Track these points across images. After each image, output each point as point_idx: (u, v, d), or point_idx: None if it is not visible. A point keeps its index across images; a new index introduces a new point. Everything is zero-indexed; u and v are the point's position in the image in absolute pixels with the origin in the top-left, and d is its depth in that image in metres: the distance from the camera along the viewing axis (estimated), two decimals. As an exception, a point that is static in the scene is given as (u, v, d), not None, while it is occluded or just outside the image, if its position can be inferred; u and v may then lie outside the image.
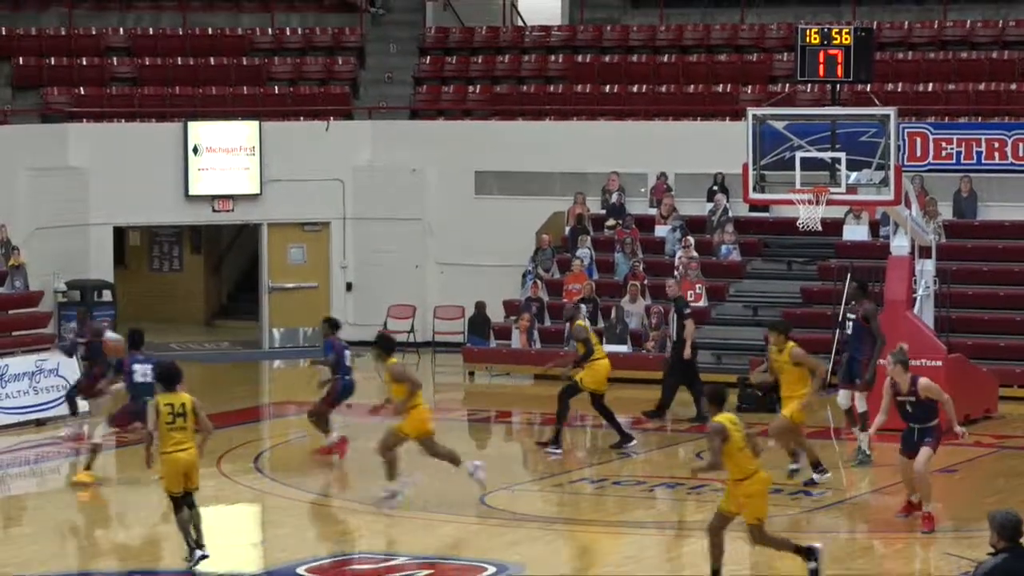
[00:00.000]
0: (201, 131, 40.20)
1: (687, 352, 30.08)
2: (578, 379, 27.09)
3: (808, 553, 18.80)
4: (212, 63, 43.12)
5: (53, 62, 42.05)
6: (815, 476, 23.93)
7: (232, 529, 25.50)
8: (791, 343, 24.09)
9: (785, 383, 24.26)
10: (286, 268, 41.31)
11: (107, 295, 39.29)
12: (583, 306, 32.84)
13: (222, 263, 45.88)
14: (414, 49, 45.20)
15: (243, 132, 40.63)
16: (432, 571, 21.46)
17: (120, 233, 41.88)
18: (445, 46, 45.05)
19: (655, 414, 29.87)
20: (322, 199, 40.68)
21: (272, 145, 40.41)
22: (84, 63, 42.46)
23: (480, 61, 44.00)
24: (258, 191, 40.38)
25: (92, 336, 28.73)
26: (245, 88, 43.17)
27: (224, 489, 26.53)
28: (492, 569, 21.11)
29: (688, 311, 30.53)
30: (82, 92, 42.08)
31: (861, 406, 25.59)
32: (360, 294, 41.05)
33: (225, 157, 40.37)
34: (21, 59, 41.72)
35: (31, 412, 31.87)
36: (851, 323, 27.61)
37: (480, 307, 36.94)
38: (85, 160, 39.38)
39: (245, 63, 43.43)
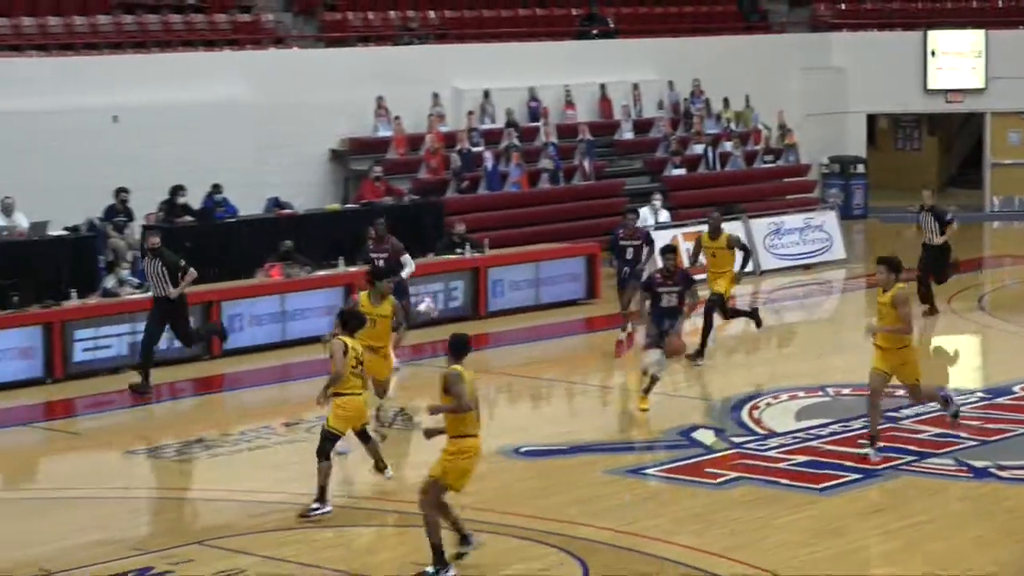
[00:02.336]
0: (938, 38, 43.93)
1: None
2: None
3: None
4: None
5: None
6: None
7: (959, 354, 28.08)
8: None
9: (714, 265, 25.25)
10: (1006, 148, 44.45)
11: (860, 168, 43.45)
12: None
13: (952, 143, 48.78)
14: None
15: (972, 39, 44.03)
16: None
17: (871, 119, 45.57)
18: None
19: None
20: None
21: (996, 49, 43.35)
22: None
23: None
24: (983, 86, 43.78)
25: None
26: (974, 3, 45.54)
27: (954, 324, 29.48)
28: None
29: None
30: (843, 7, 45.14)
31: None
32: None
33: (956, 59, 44.04)
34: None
35: (800, 259, 35.00)
36: None
37: None
38: (845, 61, 43.27)
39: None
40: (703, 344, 25.17)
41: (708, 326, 25.41)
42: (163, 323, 23.89)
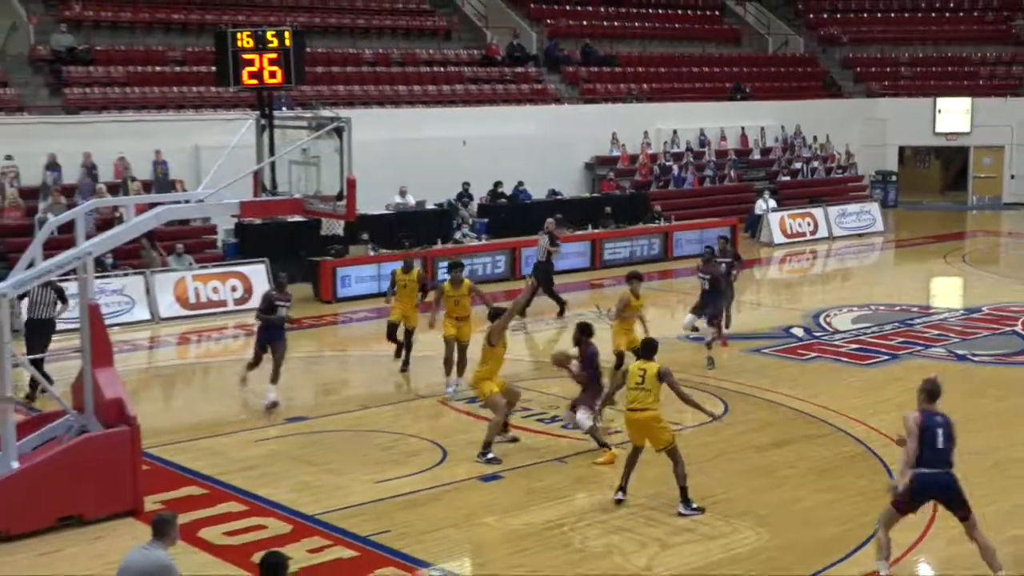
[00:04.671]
0: (943, 102, 40.20)
1: None
2: None
3: None
4: None
5: None
6: None
7: (951, 288, 26.48)
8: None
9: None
10: (981, 167, 40.67)
11: (893, 178, 39.79)
12: None
13: (950, 164, 43.92)
14: None
15: (964, 103, 40.06)
16: None
17: (901, 149, 41.91)
18: None
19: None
20: None
21: (978, 108, 39.84)
22: None
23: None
24: (969, 130, 40.13)
25: None
26: (965, 81, 41.82)
27: (947, 270, 27.87)
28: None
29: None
30: (885, 84, 42.42)
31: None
32: None
33: (953, 114, 40.26)
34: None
35: (856, 230, 33.01)
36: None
37: None
38: (886, 115, 40.48)
39: None
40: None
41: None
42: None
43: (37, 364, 15.06)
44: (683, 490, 11.68)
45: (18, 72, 28.30)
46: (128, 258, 22.52)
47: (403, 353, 17.55)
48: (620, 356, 15.70)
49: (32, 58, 28.70)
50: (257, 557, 8.28)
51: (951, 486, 9.93)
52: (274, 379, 15.50)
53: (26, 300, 15.85)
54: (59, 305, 16.06)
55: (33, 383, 15.43)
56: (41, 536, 10.96)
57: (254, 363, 15.91)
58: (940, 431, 9.97)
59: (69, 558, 10.60)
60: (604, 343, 15.22)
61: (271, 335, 15.77)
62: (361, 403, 15.91)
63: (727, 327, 19.25)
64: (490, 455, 13.20)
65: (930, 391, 10.22)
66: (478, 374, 13.58)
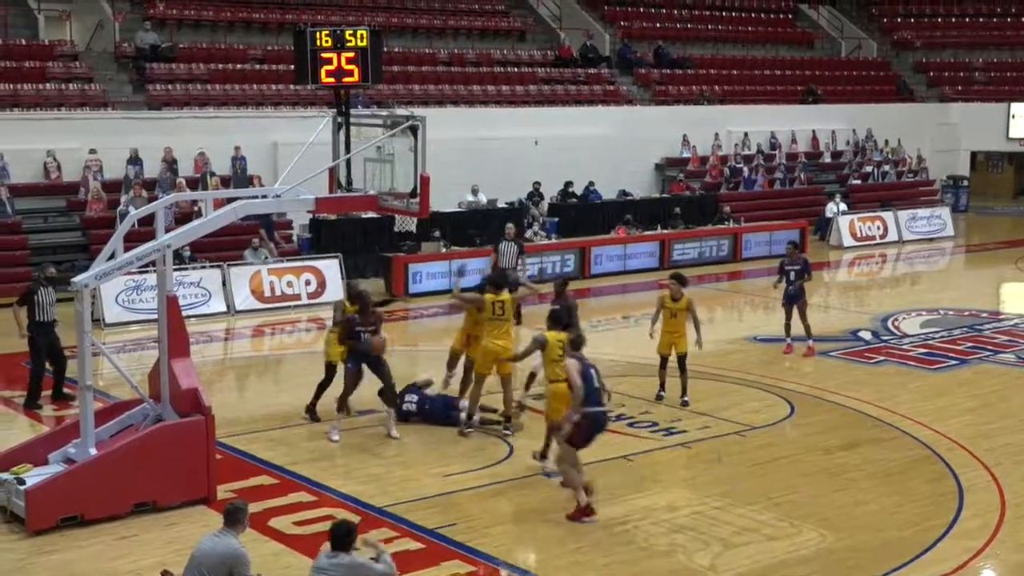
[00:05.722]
0: (1015, 107, 39.84)
1: None
2: None
3: None
4: None
5: None
6: None
7: None
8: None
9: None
10: None
11: (965, 183, 39.33)
12: None
13: (1022, 169, 43.85)
14: None
15: None
16: None
17: (973, 154, 41.69)
18: None
19: None
20: None
21: None
22: None
23: None
24: None
25: None
26: None
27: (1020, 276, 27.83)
28: None
29: None
30: (959, 88, 41.96)
31: None
32: None
33: None
34: None
35: (927, 235, 32.60)
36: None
37: None
38: (958, 120, 40.07)
39: None
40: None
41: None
42: None
43: (58, 370, 15.13)
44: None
45: (103, 68, 28.76)
46: (205, 251, 22.71)
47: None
48: (663, 359, 15.50)
49: (117, 55, 29.19)
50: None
51: (607, 420, 11.73)
52: (390, 400, 13.96)
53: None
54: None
55: (36, 384, 15.15)
56: (117, 521, 11.09)
57: (346, 393, 13.97)
58: (593, 371, 11.45)
59: (143, 543, 10.71)
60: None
61: (368, 360, 13.79)
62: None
63: (808, 336, 18.60)
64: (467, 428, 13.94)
65: (573, 341, 11.75)
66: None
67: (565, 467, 11.43)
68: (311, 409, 14.58)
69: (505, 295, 14.02)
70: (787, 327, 18.83)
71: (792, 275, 18.74)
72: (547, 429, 12.48)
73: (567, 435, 11.29)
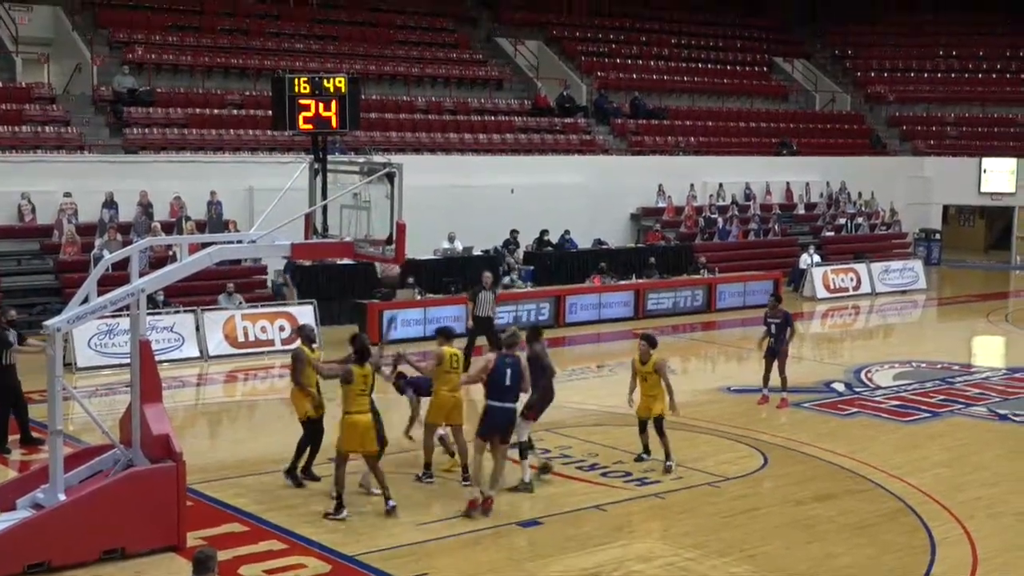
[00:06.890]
0: (988, 162, 40.22)
1: None
2: None
3: None
4: None
5: None
6: None
7: (994, 347, 26.15)
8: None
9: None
10: None
11: (937, 236, 39.52)
12: None
13: (993, 223, 43.69)
14: None
15: (1009, 163, 40.01)
16: None
17: (946, 208, 41.95)
18: None
19: None
20: None
21: (1023, 168, 39.94)
22: None
23: None
24: (1014, 191, 39.99)
25: None
26: (1011, 142, 41.55)
27: (990, 329, 27.75)
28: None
29: None
30: (932, 143, 42.10)
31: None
32: None
33: (998, 174, 40.09)
34: None
35: (899, 287, 32.76)
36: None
37: None
38: (931, 174, 40.34)
39: None
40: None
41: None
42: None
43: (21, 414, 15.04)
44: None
45: (80, 111, 28.77)
46: (179, 296, 22.62)
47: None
48: (642, 423, 14.83)
49: (95, 98, 29.22)
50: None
51: (512, 419, 12.51)
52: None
53: None
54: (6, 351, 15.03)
55: (3, 428, 15.11)
56: (84, 568, 10.93)
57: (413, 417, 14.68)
58: (508, 371, 12.24)
59: (111, 591, 10.55)
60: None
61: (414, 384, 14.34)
62: (404, 446, 15.81)
63: (783, 388, 18.61)
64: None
65: (505, 339, 12.77)
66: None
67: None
68: (292, 472, 13.81)
69: (455, 348, 13.71)
70: (765, 379, 18.79)
71: (773, 328, 18.66)
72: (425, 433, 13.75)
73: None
